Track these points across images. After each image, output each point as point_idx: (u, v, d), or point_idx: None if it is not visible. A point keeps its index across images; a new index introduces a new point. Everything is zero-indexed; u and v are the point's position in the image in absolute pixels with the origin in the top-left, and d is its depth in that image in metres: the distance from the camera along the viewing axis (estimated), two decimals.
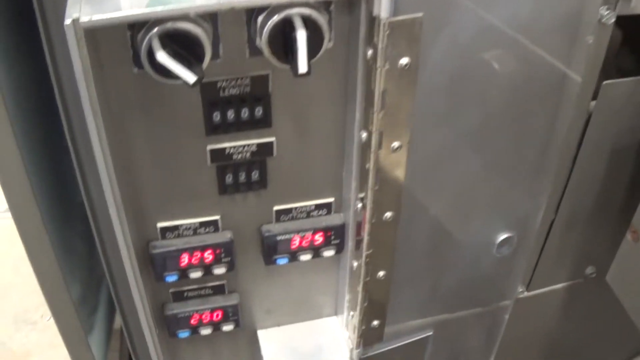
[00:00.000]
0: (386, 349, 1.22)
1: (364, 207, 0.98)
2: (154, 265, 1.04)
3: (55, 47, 0.85)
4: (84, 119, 0.80)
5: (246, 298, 1.15)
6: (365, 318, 1.11)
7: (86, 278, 1.23)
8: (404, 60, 0.85)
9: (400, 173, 0.95)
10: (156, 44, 0.79)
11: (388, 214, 0.98)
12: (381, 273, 1.05)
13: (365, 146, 0.93)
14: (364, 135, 0.93)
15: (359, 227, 1.04)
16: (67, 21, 0.73)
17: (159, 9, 0.76)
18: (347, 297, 1.14)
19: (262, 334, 1.21)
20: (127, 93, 0.88)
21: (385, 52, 0.83)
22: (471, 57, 0.95)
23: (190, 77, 0.81)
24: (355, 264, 1.06)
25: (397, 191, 0.96)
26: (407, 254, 1.12)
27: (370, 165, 0.93)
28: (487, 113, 1.01)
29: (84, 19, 0.73)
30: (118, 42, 0.84)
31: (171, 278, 1.05)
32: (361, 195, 1.00)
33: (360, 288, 1.06)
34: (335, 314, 1.23)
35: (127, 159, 0.93)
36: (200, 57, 0.82)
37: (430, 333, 1.28)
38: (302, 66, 0.83)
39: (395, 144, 0.91)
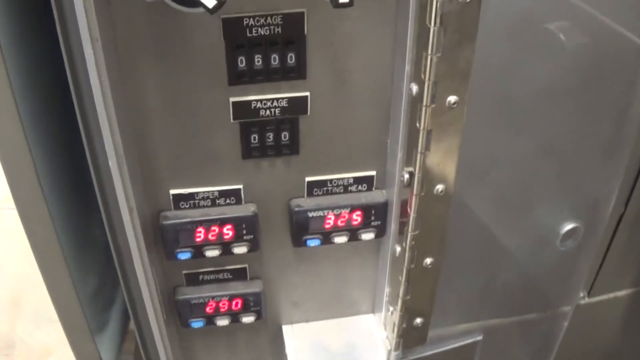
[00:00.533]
0: (428, 353, 1.06)
1: (411, 177, 0.83)
2: (165, 239, 0.90)
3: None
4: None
5: (270, 286, 1.00)
6: (407, 314, 0.95)
7: (102, 269, 1.09)
8: None
9: (456, 135, 0.79)
10: None
11: (440, 187, 0.83)
12: (428, 260, 0.90)
13: (415, 101, 0.78)
14: (415, 88, 0.78)
15: (404, 206, 0.89)
16: None
17: None
18: (386, 290, 0.99)
19: (287, 330, 1.06)
20: (138, 29, 0.75)
21: None
22: (538, 25, 0.81)
23: (210, 1, 0.67)
24: (398, 249, 0.91)
25: (451, 157, 0.81)
26: (457, 244, 0.97)
27: (421, 123, 0.78)
28: (553, 84, 0.87)
29: None
30: None
31: (184, 256, 0.91)
32: (409, 168, 0.84)
33: (403, 277, 0.90)
34: (373, 311, 1.07)
35: (136, 111, 0.80)
36: None
37: (480, 338, 1.11)
38: None
39: (452, 99, 0.76)
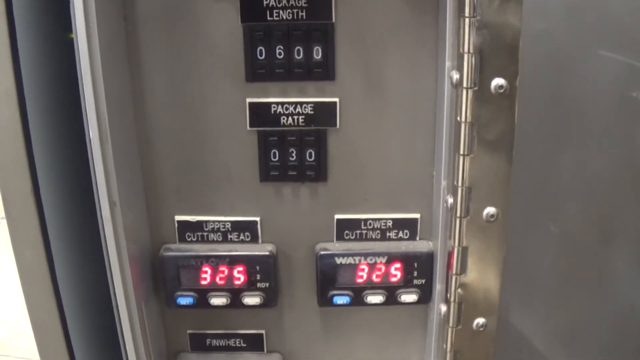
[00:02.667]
0: None
1: (454, 197, 0.67)
2: (164, 276, 0.76)
3: None
4: None
5: None
6: None
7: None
8: None
9: (508, 125, 0.64)
10: None
11: (490, 210, 0.66)
12: (480, 321, 0.70)
13: (457, 87, 0.64)
14: (456, 76, 0.64)
15: (449, 264, 0.72)
16: None
17: None
18: None
19: None
20: (150, 8, 0.68)
21: None
22: None
23: None
24: (444, 308, 0.72)
25: (502, 174, 0.65)
26: (518, 315, 0.78)
27: (462, 114, 0.63)
28: None
29: None
30: None
31: (185, 301, 0.76)
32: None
33: (448, 343, 0.71)
34: None
35: (138, 108, 0.71)
36: None
37: None
38: None
39: (500, 81, 0.62)
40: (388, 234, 0.76)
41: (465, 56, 0.62)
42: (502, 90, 0.63)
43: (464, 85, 0.63)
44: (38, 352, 0.85)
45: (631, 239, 0.77)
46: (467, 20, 0.61)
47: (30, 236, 0.77)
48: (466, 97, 0.63)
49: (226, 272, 0.75)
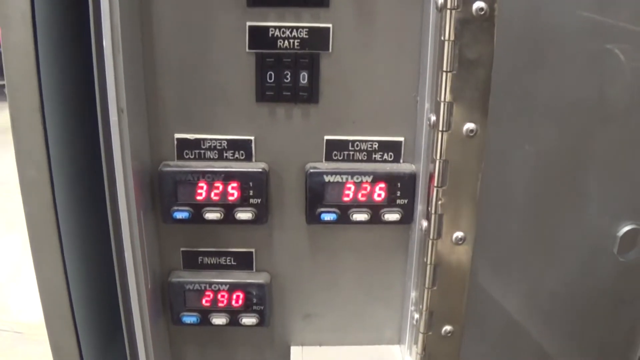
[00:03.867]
0: None
1: (437, 115, 0.73)
2: (162, 191, 0.80)
3: None
4: None
5: (278, 280, 0.87)
6: (436, 319, 0.79)
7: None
8: None
9: (486, 51, 0.70)
10: None
11: (470, 125, 0.72)
12: (458, 234, 0.76)
13: (442, 10, 0.70)
14: (440, 0, 0.70)
15: (431, 179, 0.77)
16: None
17: None
18: (412, 294, 0.83)
19: (295, 352, 0.89)
20: None
21: None
22: None
23: None
24: (425, 223, 0.78)
25: (482, 82, 0.71)
26: (498, 239, 0.83)
27: (446, 33, 0.69)
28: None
29: None
30: None
31: (181, 215, 0.81)
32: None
33: (428, 255, 0.76)
34: (399, 342, 0.90)
35: (145, 29, 0.76)
36: None
37: None
38: None
39: (479, 4, 0.68)
40: (374, 156, 0.82)
41: None
42: (482, 12, 0.69)
43: (448, 6, 0.69)
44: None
45: (599, 159, 0.83)
46: None
47: (36, 157, 0.82)
48: (449, 17, 0.69)
49: (221, 187, 0.80)
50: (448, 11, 0.69)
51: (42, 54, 0.79)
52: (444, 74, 0.71)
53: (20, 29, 0.78)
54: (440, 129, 0.73)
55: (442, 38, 0.70)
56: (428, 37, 0.74)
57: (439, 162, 0.74)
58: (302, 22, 0.76)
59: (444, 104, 0.72)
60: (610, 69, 0.81)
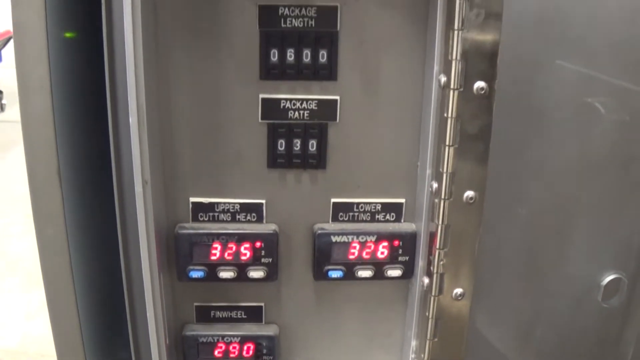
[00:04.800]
0: None
1: (439, 183, 0.79)
2: (178, 252, 0.85)
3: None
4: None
5: (287, 332, 0.92)
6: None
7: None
8: None
9: (485, 126, 0.76)
10: None
11: (470, 193, 0.78)
12: (458, 290, 0.82)
13: (444, 89, 0.76)
14: (444, 78, 0.77)
15: (432, 240, 0.83)
16: None
17: None
18: (413, 343, 0.89)
19: None
20: (178, 7, 0.78)
21: None
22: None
23: None
24: (426, 280, 0.84)
25: (480, 155, 0.77)
26: (491, 285, 0.90)
27: (449, 110, 0.75)
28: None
29: None
30: None
31: (196, 274, 0.86)
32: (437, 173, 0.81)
33: (430, 311, 0.82)
34: None
35: (166, 96, 0.81)
36: None
37: None
38: None
39: (481, 84, 0.75)
40: (377, 216, 0.87)
41: (453, 62, 0.74)
42: (482, 92, 0.75)
43: (452, 86, 0.75)
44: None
45: (585, 220, 0.90)
46: (456, 32, 0.73)
47: (53, 214, 0.86)
48: (453, 97, 0.75)
49: (234, 248, 0.85)
50: (451, 91, 0.75)
51: (59, 122, 0.84)
52: (447, 147, 0.77)
53: (38, 98, 0.83)
54: (443, 197, 0.79)
55: (445, 115, 0.76)
56: (430, 110, 0.80)
57: (441, 226, 0.80)
58: (311, 95, 0.82)
59: (446, 175, 0.78)
60: (592, 123, 0.88)
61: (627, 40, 0.83)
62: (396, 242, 0.87)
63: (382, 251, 0.87)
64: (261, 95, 0.82)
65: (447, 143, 0.77)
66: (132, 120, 0.74)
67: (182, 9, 0.78)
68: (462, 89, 0.75)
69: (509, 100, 0.80)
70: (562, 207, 0.89)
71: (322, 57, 0.80)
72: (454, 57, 0.74)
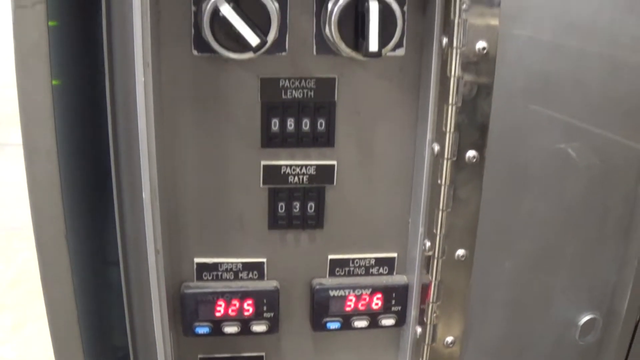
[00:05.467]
0: None
1: (432, 242, 0.85)
2: (184, 310, 0.89)
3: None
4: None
5: None
6: None
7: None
8: (481, 44, 0.78)
9: (476, 192, 0.83)
10: (222, 2, 0.75)
11: (461, 252, 0.85)
12: (449, 339, 0.88)
13: (437, 158, 0.83)
14: (437, 147, 0.83)
15: (424, 292, 0.90)
16: None
17: None
18: None
19: None
20: (183, 80, 0.82)
21: (461, 28, 0.76)
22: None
23: (252, 38, 0.76)
24: (419, 329, 0.90)
25: (471, 217, 0.84)
26: (477, 332, 0.96)
27: (443, 178, 0.82)
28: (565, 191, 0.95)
29: None
30: (180, 19, 0.80)
31: (202, 330, 0.90)
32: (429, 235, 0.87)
33: (424, 357, 0.89)
34: None
35: (171, 161, 0.85)
36: (265, 29, 0.77)
37: None
38: (374, 43, 0.77)
39: (472, 153, 0.81)
40: (371, 270, 0.93)
41: (447, 134, 0.80)
42: (474, 160, 0.81)
43: (445, 156, 0.81)
44: None
45: (565, 267, 0.98)
46: (450, 107, 0.79)
47: (61, 278, 0.90)
48: (446, 166, 0.81)
49: (237, 305, 0.90)
50: (445, 160, 0.81)
51: (66, 188, 0.87)
52: (440, 212, 0.83)
53: (45, 164, 0.86)
54: (436, 256, 0.85)
55: (439, 182, 0.82)
56: (422, 175, 0.86)
57: (435, 282, 0.86)
58: (310, 160, 0.87)
59: (440, 236, 0.84)
60: (571, 177, 0.95)
61: (607, 97, 0.91)
62: (389, 294, 0.93)
63: (377, 302, 0.93)
64: (263, 162, 0.86)
65: (440, 208, 0.83)
66: (145, 195, 0.78)
67: (188, 82, 0.82)
68: (455, 158, 0.81)
69: (496, 163, 0.86)
70: (544, 256, 0.96)
71: (321, 126, 0.86)
72: (448, 129, 0.80)
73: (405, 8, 0.82)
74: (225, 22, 0.75)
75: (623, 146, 0.95)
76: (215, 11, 0.76)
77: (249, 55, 0.77)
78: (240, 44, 0.76)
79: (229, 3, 0.75)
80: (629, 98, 0.92)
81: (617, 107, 0.93)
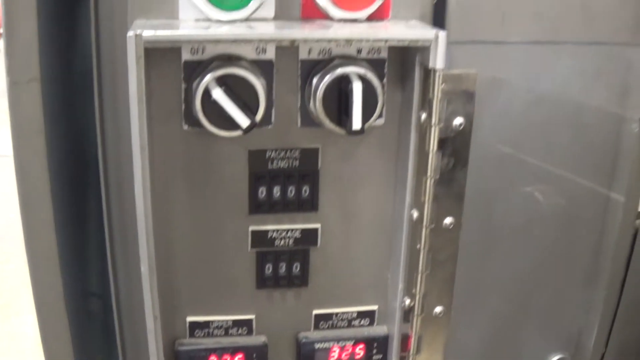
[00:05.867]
0: None
1: (412, 301, 0.91)
2: None
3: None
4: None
5: None
6: None
7: None
8: (458, 120, 0.83)
9: (452, 258, 0.89)
10: (213, 83, 0.80)
11: (439, 309, 0.90)
12: None
13: (416, 223, 0.88)
14: (416, 213, 0.88)
15: (404, 341, 0.95)
16: (130, 34, 0.74)
17: (219, 32, 0.78)
18: None
19: None
20: (174, 153, 0.87)
21: (440, 106, 0.82)
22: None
23: (243, 120, 0.80)
24: None
25: (449, 277, 0.89)
26: None
27: (422, 244, 0.87)
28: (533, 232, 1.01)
29: (147, 33, 0.75)
30: (171, 94, 0.84)
31: None
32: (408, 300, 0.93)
33: None
34: None
35: (164, 229, 0.89)
36: (254, 108, 0.82)
37: None
38: (357, 121, 0.82)
39: (448, 220, 0.87)
40: (353, 322, 0.98)
41: (426, 204, 0.86)
42: (451, 226, 0.87)
43: (424, 224, 0.87)
44: None
45: (534, 306, 1.05)
46: (429, 179, 0.85)
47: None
48: (425, 233, 0.87)
49: (228, 359, 0.95)
50: (423, 227, 0.87)
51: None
52: (420, 275, 0.89)
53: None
54: (416, 313, 0.90)
55: (418, 247, 0.88)
56: (401, 238, 0.92)
57: (415, 337, 0.92)
58: (295, 225, 0.92)
59: (419, 296, 0.90)
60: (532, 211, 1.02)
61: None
62: (371, 344, 0.98)
63: (359, 352, 0.98)
64: (251, 228, 0.91)
65: (420, 270, 0.89)
66: (144, 268, 0.83)
67: (179, 155, 0.87)
68: (433, 226, 0.87)
69: (471, 224, 0.92)
70: (515, 304, 1.02)
71: (305, 192, 0.91)
72: (427, 199, 0.86)
73: (384, 81, 0.87)
74: (216, 104, 0.80)
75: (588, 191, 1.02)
76: (207, 92, 0.80)
77: (238, 133, 0.82)
78: (231, 123, 0.81)
79: (220, 86, 0.80)
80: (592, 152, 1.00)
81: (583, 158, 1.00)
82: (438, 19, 0.90)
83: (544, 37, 0.94)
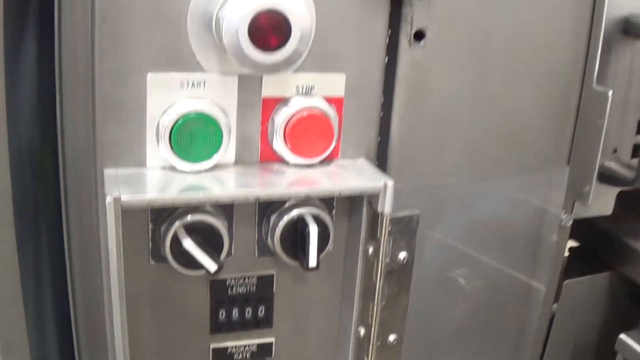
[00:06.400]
0: None
1: None
2: None
3: None
4: None
5: None
6: None
7: None
8: (403, 255, 0.93)
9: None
10: (182, 233, 0.87)
11: None
12: None
13: (363, 341, 0.98)
14: (362, 330, 0.98)
15: None
16: (109, 199, 0.80)
17: (190, 195, 0.85)
18: None
19: None
20: (141, 284, 0.93)
21: (387, 245, 0.92)
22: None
23: (212, 265, 0.88)
24: None
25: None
26: None
27: (369, 358, 0.97)
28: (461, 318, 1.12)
29: (126, 198, 0.81)
30: (139, 233, 0.91)
31: None
32: None
33: None
34: None
35: (133, 348, 0.95)
36: (219, 249, 0.89)
37: None
38: (313, 260, 0.91)
39: (392, 337, 0.97)
40: None
41: (373, 325, 0.96)
42: (395, 342, 0.97)
43: (371, 342, 0.97)
44: None
45: None
46: (375, 306, 0.95)
47: None
48: (372, 350, 0.97)
49: None
50: (370, 345, 0.97)
51: None
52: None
53: None
54: None
55: None
56: (348, 354, 1.01)
57: None
58: (252, 340, 1.00)
59: None
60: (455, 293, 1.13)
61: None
62: None
63: None
64: (212, 346, 0.99)
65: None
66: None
67: (146, 285, 0.93)
68: (379, 343, 0.97)
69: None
70: None
71: (261, 312, 0.99)
72: (373, 321, 0.96)
73: (333, 212, 0.97)
74: (186, 251, 0.87)
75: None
76: (175, 237, 0.87)
77: (203, 272, 0.89)
78: (198, 264, 0.88)
79: (189, 234, 0.87)
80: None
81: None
82: (381, 156, 0.99)
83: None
